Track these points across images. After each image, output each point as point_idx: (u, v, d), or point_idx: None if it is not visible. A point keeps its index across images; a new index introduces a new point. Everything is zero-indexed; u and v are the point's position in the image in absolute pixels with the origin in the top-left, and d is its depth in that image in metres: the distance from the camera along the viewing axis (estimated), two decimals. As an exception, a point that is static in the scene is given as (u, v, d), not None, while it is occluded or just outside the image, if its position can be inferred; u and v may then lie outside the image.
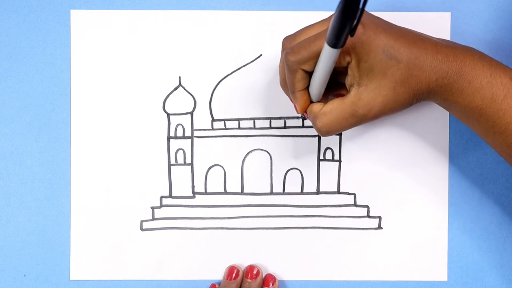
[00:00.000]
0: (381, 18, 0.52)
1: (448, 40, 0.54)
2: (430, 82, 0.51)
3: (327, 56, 0.48)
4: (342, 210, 0.62)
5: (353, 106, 0.51)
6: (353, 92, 0.52)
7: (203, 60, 0.62)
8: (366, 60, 0.50)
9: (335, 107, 0.52)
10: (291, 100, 0.55)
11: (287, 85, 0.54)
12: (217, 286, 0.61)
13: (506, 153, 0.53)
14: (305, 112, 0.55)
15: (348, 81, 0.52)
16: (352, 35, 0.45)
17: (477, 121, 0.52)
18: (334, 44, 0.46)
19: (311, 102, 0.54)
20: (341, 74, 0.54)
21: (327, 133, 0.53)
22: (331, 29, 0.45)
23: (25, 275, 0.62)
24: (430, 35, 0.54)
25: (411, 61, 0.50)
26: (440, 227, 0.62)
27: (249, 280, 0.61)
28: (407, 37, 0.51)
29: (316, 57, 0.50)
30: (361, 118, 0.52)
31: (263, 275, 0.62)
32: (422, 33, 0.53)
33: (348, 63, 0.51)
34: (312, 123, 0.54)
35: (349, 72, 0.51)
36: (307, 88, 0.53)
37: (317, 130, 0.53)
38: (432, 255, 0.62)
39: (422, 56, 0.51)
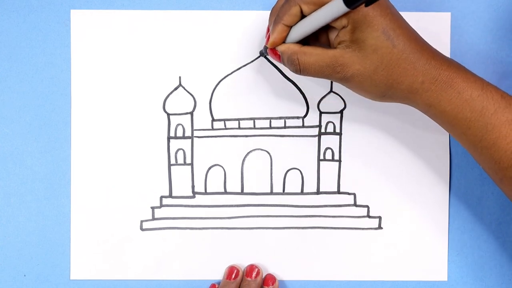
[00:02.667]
0: (395, 8, 0.53)
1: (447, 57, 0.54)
2: (414, 81, 0.51)
3: (333, 9, 0.49)
4: (342, 210, 0.62)
5: (334, 59, 0.51)
6: (339, 49, 0.51)
7: (203, 60, 0.62)
8: (363, 31, 0.50)
9: (317, 53, 0.52)
10: (267, 31, 0.56)
11: (276, 14, 0.54)
12: (217, 286, 0.61)
13: (493, 169, 0.52)
14: (272, 49, 0.55)
15: (336, 38, 0.52)
16: (367, 5, 0.46)
17: (464, 134, 0.52)
18: (348, 2, 0.46)
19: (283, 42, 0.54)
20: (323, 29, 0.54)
21: (304, 71, 0.53)
22: None
23: (25, 275, 0.62)
24: (431, 35, 0.54)
25: (405, 52, 0.51)
26: (440, 227, 0.62)
27: (248, 279, 0.61)
28: (411, 33, 0.52)
29: (320, 4, 0.50)
30: (334, 74, 0.52)
31: (263, 275, 0.62)
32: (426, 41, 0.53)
33: (343, 27, 0.51)
34: (287, 60, 0.54)
35: (340, 34, 0.51)
36: (290, 27, 0.53)
37: (295, 65, 0.53)
38: (432, 255, 0.62)
39: (417, 54, 0.51)
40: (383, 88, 0.52)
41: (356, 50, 0.51)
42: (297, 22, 0.53)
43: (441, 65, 0.51)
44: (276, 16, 0.53)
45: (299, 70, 0.53)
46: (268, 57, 0.60)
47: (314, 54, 0.52)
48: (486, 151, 0.52)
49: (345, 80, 0.52)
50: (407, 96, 0.52)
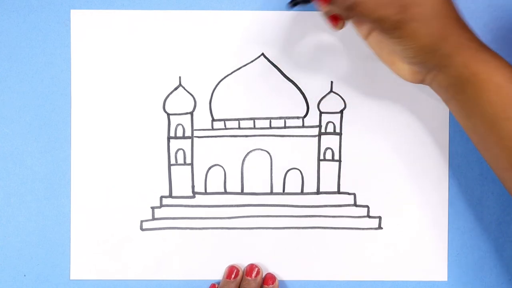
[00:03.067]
0: None
1: None
2: (462, 35, 0.50)
3: None
4: (342, 210, 0.62)
5: None
6: None
7: (203, 60, 0.62)
8: None
9: None
10: None
11: None
12: (217, 286, 0.61)
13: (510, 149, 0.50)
14: None
15: None
16: None
17: (490, 103, 0.50)
18: None
19: None
20: None
21: (361, 4, 0.49)
22: None
23: (25, 275, 0.62)
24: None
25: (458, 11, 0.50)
26: (440, 227, 0.62)
27: (249, 278, 0.61)
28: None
29: None
30: (394, 14, 0.49)
31: (263, 275, 0.62)
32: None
33: None
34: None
35: None
36: None
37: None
38: (432, 255, 0.62)
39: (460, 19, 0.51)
40: (435, 38, 0.50)
41: None
42: None
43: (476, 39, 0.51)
44: None
45: (355, 4, 0.49)
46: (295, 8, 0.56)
47: None
48: (509, 123, 0.49)
49: (403, 23, 0.49)
50: (450, 53, 0.50)
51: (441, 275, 0.62)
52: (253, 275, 0.61)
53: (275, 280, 0.61)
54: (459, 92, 0.52)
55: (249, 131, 0.62)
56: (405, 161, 0.62)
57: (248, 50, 0.62)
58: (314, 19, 0.61)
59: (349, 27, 0.57)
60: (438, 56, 0.51)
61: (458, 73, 0.51)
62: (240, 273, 0.61)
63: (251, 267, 0.61)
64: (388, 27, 0.50)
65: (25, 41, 0.62)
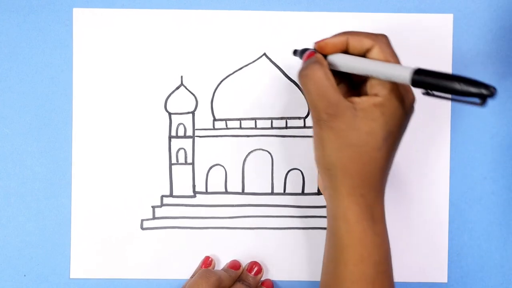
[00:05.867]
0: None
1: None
2: (356, 186, 0.50)
3: (396, 72, 0.46)
4: (342, 210, 0.62)
5: (336, 102, 0.48)
6: (348, 101, 0.49)
7: (205, 59, 0.62)
8: (379, 115, 0.48)
9: (331, 84, 0.49)
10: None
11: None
12: (211, 259, 0.61)
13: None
14: (312, 52, 0.52)
15: (357, 97, 0.50)
16: (426, 94, 0.44)
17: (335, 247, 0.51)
18: (415, 81, 0.44)
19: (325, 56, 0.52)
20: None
21: (306, 80, 0.49)
22: (439, 84, 0.43)
23: (25, 275, 0.62)
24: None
25: (377, 162, 0.49)
26: (440, 227, 0.62)
27: (248, 274, 0.61)
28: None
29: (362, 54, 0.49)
30: (320, 112, 0.49)
31: (263, 275, 0.62)
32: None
33: (375, 94, 0.49)
34: (304, 65, 0.50)
35: (365, 98, 0.49)
36: (344, 52, 0.51)
37: (303, 69, 0.50)
38: (432, 256, 0.62)
39: (378, 175, 0.50)
40: (336, 165, 0.49)
41: (357, 118, 0.48)
42: (356, 55, 0.50)
43: (382, 203, 0.51)
44: (347, 34, 0.51)
45: (304, 75, 0.50)
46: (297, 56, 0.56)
47: (332, 80, 0.49)
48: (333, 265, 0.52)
49: (320, 127, 0.49)
50: (344, 188, 0.50)
51: (441, 276, 0.62)
52: (253, 272, 0.61)
53: (260, 272, 0.61)
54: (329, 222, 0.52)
55: (251, 131, 0.62)
56: (405, 161, 0.62)
57: (250, 50, 0.62)
58: (316, 19, 0.62)
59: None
60: (329, 179, 0.51)
61: (337, 202, 0.51)
62: (241, 269, 0.61)
63: (252, 265, 0.61)
64: (313, 119, 0.50)
65: (26, 40, 0.62)
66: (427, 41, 0.61)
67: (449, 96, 0.43)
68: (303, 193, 0.63)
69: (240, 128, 0.62)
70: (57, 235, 0.62)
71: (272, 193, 0.63)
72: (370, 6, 0.62)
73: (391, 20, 0.62)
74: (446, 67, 0.62)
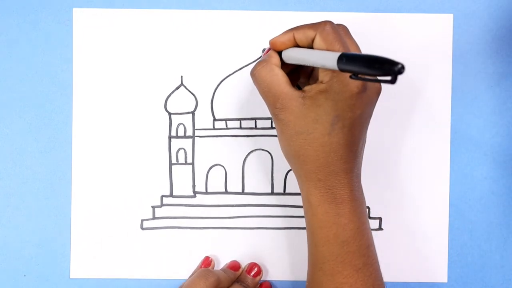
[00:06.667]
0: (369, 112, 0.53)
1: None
2: (318, 171, 0.51)
3: (326, 58, 0.47)
4: (342, 210, 0.62)
5: (282, 95, 0.51)
6: (295, 91, 0.51)
7: (205, 59, 0.62)
8: (323, 100, 0.50)
9: (280, 78, 0.52)
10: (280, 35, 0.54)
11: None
12: (210, 259, 0.62)
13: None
14: (270, 49, 0.54)
15: (305, 84, 0.54)
16: (353, 77, 0.45)
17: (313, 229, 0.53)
18: (341, 63, 0.45)
19: (280, 53, 0.54)
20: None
21: (256, 78, 0.53)
22: (360, 63, 0.43)
23: (25, 275, 0.62)
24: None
25: (331, 146, 0.51)
26: (440, 228, 0.62)
27: (247, 275, 0.61)
28: (356, 145, 0.52)
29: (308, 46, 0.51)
30: (272, 105, 0.52)
31: (262, 276, 0.62)
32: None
33: (321, 81, 0.50)
34: (254, 65, 0.53)
35: (308, 87, 0.51)
36: (296, 46, 0.53)
37: (255, 67, 0.53)
38: (432, 256, 0.62)
39: (339, 162, 0.51)
40: (292, 154, 0.52)
41: (304, 106, 0.50)
42: (302, 46, 0.52)
43: (347, 185, 0.52)
44: (294, 28, 0.53)
45: (252, 74, 0.53)
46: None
47: (277, 75, 0.52)
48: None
49: (274, 120, 0.53)
50: (303, 173, 0.53)
51: (441, 276, 0.62)
52: (252, 274, 0.61)
53: (259, 274, 0.61)
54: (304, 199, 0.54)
55: (251, 131, 0.62)
56: (405, 161, 0.62)
57: (250, 49, 0.62)
58: (316, 19, 0.62)
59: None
60: (295, 165, 0.54)
61: (308, 190, 0.53)
62: (240, 269, 0.61)
63: (252, 266, 0.61)
64: (270, 110, 0.53)
65: (26, 40, 0.62)
66: (427, 41, 0.61)
67: (370, 77, 0.43)
68: (303, 193, 0.63)
69: (240, 128, 0.62)
70: (57, 235, 0.62)
71: (272, 193, 0.63)
72: (370, 6, 0.62)
73: (391, 20, 0.62)
74: (446, 67, 0.62)
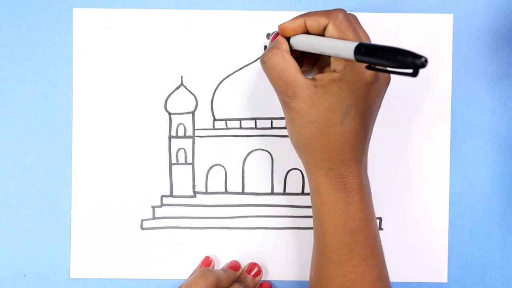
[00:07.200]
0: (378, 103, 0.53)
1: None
2: (330, 160, 0.52)
3: (341, 47, 0.47)
4: (342, 210, 0.62)
5: (294, 83, 0.51)
6: (308, 80, 0.51)
7: (205, 59, 0.62)
8: (337, 89, 0.50)
9: (291, 65, 0.52)
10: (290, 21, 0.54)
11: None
12: (211, 259, 0.62)
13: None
14: (277, 34, 0.54)
15: (318, 73, 0.53)
16: (369, 68, 0.45)
17: (321, 217, 0.53)
18: (359, 53, 0.45)
19: (288, 39, 0.54)
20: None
21: (266, 65, 0.53)
22: (380, 54, 0.43)
23: (25, 275, 0.62)
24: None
25: (343, 135, 0.51)
26: (440, 228, 0.62)
27: (247, 275, 0.61)
28: (364, 134, 0.52)
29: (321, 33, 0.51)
30: (283, 92, 0.52)
31: (262, 276, 0.62)
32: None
33: (334, 70, 0.50)
34: (264, 52, 0.54)
35: (322, 74, 0.51)
36: (306, 33, 0.53)
37: (265, 54, 0.53)
38: (432, 256, 0.62)
39: (349, 151, 0.52)
40: (302, 142, 0.52)
41: (316, 95, 0.51)
42: (313, 33, 0.52)
43: (356, 175, 0.52)
44: (305, 14, 0.53)
45: (263, 61, 0.53)
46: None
47: (288, 62, 0.52)
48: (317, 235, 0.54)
49: (284, 108, 0.53)
50: (313, 162, 0.53)
51: (441, 276, 0.62)
52: (253, 274, 0.61)
53: (259, 274, 0.61)
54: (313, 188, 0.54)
55: (251, 131, 0.62)
56: (405, 161, 0.62)
57: (250, 49, 0.62)
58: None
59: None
60: (305, 155, 0.54)
61: (318, 178, 0.53)
62: (240, 269, 0.61)
63: (252, 266, 0.61)
64: (280, 99, 0.53)
65: (26, 40, 0.62)
66: (427, 41, 0.61)
67: (389, 69, 0.43)
68: (303, 193, 0.63)
69: (240, 128, 0.62)
70: (57, 235, 0.62)
71: (272, 193, 0.63)
72: (370, 6, 0.62)
73: (391, 20, 0.62)
74: (446, 67, 0.62)
